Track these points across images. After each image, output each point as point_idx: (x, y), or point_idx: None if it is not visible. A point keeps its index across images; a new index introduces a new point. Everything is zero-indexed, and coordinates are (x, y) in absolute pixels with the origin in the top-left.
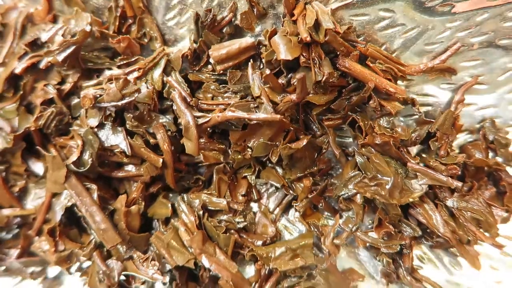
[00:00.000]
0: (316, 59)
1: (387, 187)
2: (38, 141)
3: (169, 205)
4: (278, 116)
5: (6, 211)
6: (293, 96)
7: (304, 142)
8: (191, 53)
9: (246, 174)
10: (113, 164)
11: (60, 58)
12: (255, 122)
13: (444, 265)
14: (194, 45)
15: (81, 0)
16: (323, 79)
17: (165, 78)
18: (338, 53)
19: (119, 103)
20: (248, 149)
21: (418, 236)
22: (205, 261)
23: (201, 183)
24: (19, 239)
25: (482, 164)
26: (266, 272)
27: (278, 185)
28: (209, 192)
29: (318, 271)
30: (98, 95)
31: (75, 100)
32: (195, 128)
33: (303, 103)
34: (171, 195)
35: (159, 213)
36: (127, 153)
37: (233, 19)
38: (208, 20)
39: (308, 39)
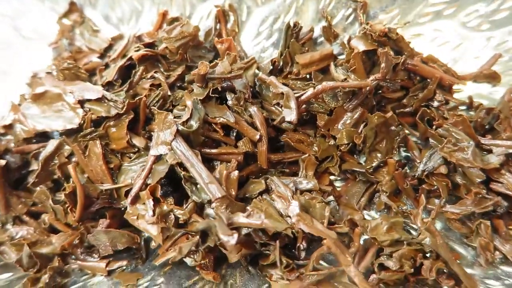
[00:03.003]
0: (390, 51)
1: (469, 151)
2: (143, 116)
3: (263, 181)
4: (369, 81)
5: (104, 186)
6: (377, 75)
7: (390, 113)
8: (278, 61)
9: (328, 166)
10: (208, 143)
11: (176, 44)
12: (347, 90)
13: None
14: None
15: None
16: (401, 61)
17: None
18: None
19: (228, 75)
20: (332, 139)
21: None
22: (303, 227)
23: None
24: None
25: None
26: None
27: (362, 170)
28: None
29: (422, 231)
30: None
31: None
32: (294, 97)
33: (377, 99)
34: None
35: (252, 189)
36: (232, 120)
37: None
38: (296, 29)
39: (386, 30)
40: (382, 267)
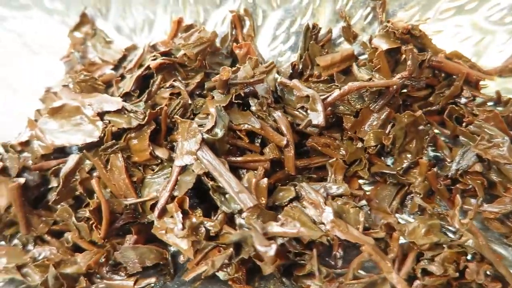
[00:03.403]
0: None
1: (505, 147)
2: (165, 126)
3: (292, 188)
4: (396, 79)
5: (128, 200)
6: (403, 74)
7: (420, 112)
8: (297, 64)
9: (357, 169)
10: (233, 151)
11: (195, 51)
12: (374, 89)
13: None
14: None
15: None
16: (427, 58)
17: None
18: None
19: (251, 80)
20: (359, 141)
21: None
22: (339, 234)
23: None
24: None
25: None
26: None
27: (392, 172)
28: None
29: (464, 232)
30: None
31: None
32: (320, 99)
33: (403, 98)
34: None
35: (282, 197)
36: (257, 126)
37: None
38: (315, 31)
39: (409, 27)
40: (425, 272)
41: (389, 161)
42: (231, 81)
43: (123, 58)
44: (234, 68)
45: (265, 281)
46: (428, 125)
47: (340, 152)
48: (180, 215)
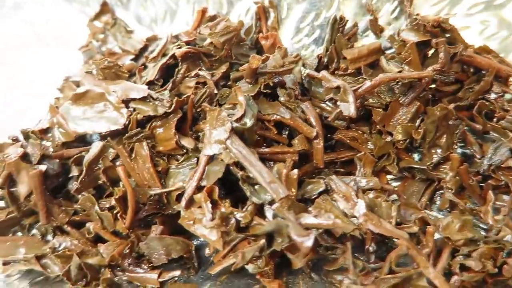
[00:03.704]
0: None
1: None
2: (191, 115)
3: (321, 180)
4: (429, 71)
5: (153, 190)
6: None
7: (452, 105)
8: (323, 57)
9: (385, 164)
10: (259, 142)
11: (222, 39)
12: (406, 81)
13: None
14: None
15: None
16: (459, 51)
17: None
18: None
19: (280, 69)
20: (388, 135)
21: None
22: (372, 227)
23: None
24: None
25: None
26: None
27: (423, 167)
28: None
29: (502, 228)
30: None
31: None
32: (351, 90)
33: (431, 93)
34: None
35: (311, 190)
36: (287, 117)
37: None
38: (342, 24)
39: (440, 19)
40: (463, 268)
41: (416, 156)
42: (260, 70)
43: (144, 48)
44: (263, 57)
45: (293, 276)
46: (458, 119)
47: (368, 146)
48: (210, 205)
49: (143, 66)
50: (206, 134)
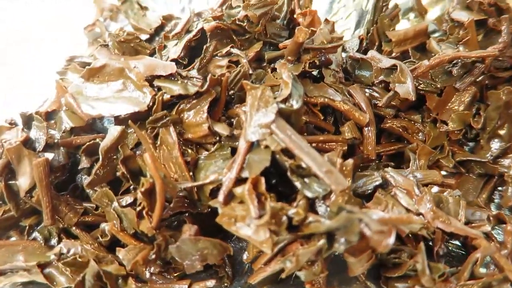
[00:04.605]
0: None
1: None
2: (224, 97)
3: (376, 173)
4: (495, 50)
5: (183, 184)
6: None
7: None
8: (365, 38)
9: (439, 157)
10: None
11: (258, 13)
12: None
13: None
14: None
15: None
16: None
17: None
18: None
19: (328, 46)
20: (443, 124)
21: None
22: (441, 225)
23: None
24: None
25: None
26: None
27: (483, 160)
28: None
29: None
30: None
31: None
32: (408, 69)
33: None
34: None
35: (365, 183)
36: (338, 99)
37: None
38: (386, 3)
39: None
40: None
41: (467, 149)
42: (306, 45)
43: (161, 27)
44: (310, 31)
45: (345, 286)
46: None
47: (419, 137)
48: (256, 200)
49: (163, 45)
50: (246, 116)
